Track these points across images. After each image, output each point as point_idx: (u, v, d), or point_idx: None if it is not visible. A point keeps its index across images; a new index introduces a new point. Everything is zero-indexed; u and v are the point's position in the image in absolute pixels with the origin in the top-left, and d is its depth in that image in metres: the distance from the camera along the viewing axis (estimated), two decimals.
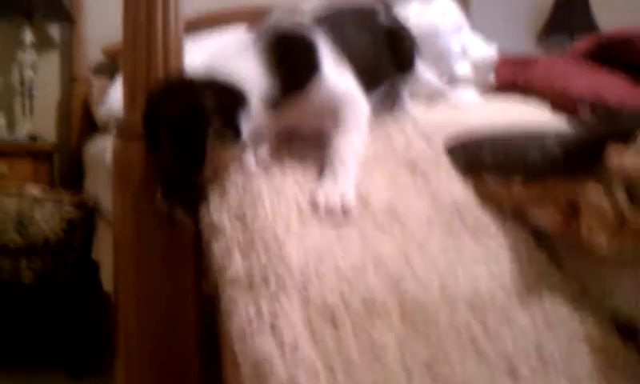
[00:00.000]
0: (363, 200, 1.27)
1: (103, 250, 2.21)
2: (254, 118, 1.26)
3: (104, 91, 2.81)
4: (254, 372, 1.00)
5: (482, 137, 1.43)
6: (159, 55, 1.28)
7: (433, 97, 1.98)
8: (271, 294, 1.04)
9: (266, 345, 0.99)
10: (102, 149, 2.17)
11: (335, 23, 1.49)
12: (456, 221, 1.28)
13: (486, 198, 1.36)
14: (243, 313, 1.04)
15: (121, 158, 1.31)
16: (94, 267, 2.42)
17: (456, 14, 2.41)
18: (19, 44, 2.92)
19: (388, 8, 1.69)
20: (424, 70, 1.85)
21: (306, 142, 1.37)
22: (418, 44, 1.70)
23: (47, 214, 2.38)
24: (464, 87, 2.34)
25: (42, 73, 3.05)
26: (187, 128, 1.19)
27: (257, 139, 1.30)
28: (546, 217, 1.22)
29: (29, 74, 2.93)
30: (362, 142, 1.33)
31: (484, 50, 2.47)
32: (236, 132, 1.22)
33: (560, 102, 2.13)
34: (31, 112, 2.94)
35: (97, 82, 3.02)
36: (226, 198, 1.21)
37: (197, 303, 1.29)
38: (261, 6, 3.28)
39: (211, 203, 1.22)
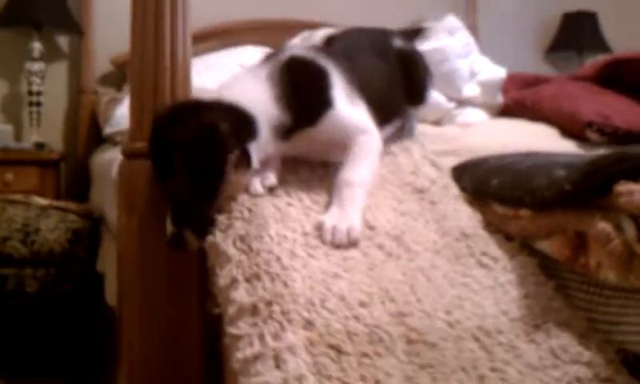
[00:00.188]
0: (370, 226, 1.27)
1: (108, 263, 2.21)
2: (263, 146, 1.25)
3: (111, 102, 2.81)
4: None
5: (490, 163, 1.43)
6: (167, 76, 1.28)
7: (441, 119, 1.98)
8: (275, 324, 1.04)
9: (270, 377, 0.98)
10: (109, 160, 2.17)
11: (349, 51, 1.48)
12: (463, 249, 1.28)
13: (494, 225, 1.35)
14: (247, 343, 1.03)
15: (127, 177, 1.31)
16: (99, 279, 2.42)
17: (465, 36, 2.41)
18: (28, 54, 2.92)
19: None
20: (434, 94, 1.85)
21: (314, 168, 1.37)
22: (431, 71, 1.68)
23: (52, 223, 2.38)
24: (472, 108, 2.34)
25: (50, 83, 3.05)
26: (207, 154, 1.17)
27: (264, 164, 1.29)
28: (554, 248, 1.22)
29: (37, 84, 2.93)
30: (371, 174, 1.33)
31: (492, 71, 2.47)
32: (247, 159, 1.22)
33: (569, 124, 2.13)
34: (39, 122, 2.94)
35: (104, 93, 3.02)
36: (232, 222, 1.21)
37: (201, 323, 1.29)
38: (271, 20, 3.30)
39: (217, 227, 1.21)
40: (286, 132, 1.28)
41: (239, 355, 1.03)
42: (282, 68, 1.31)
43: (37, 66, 2.92)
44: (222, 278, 1.13)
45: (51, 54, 3.09)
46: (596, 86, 2.38)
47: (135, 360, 1.28)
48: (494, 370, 1.06)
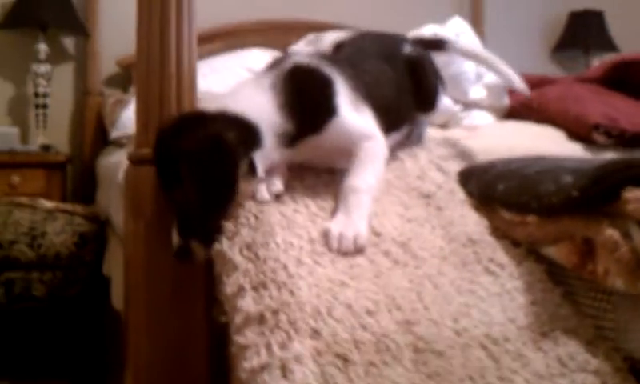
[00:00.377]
0: (376, 232, 1.26)
1: (114, 266, 2.21)
2: (268, 155, 1.25)
3: (117, 104, 2.81)
4: None
5: (496, 168, 1.42)
6: (173, 82, 1.28)
7: (447, 122, 1.98)
8: (282, 333, 1.03)
9: None
10: (115, 163, 2.17)
11: (356, 58, 1.47)
12: (470, 255, 1.28)
13: (501, 231, 1.35)
14: (254, 353, 1.03)
15: (133, 183, 1.31)
16: (105, 281, 2.42)
17: (471, 37, 2.40)
18: (34, 56, 2.93)
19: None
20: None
21: (319, 175, 1.36)
22: (442, 78, 1.67)
23: (59, 227, 2.38)
24: (478, 111, 2.34)
25: (56, 85, 3.05)
26: (218, 164, 1.17)
27: (270, 171, 1.29)
28: (562, 254, 1.21)
29: (43, 85, 2.94)
30: (377, 180, 1.32)
31: None
32: (252, 168, 1.22)
33: (575, 127, 2.12)
34: (45, 124, 2.94)
35: (110, 95, 3.03)
36: (238, 229, 1.21)
37: (207, 330, 1.29)
38: (276, 20, 3.30)
39: (223, 235, 1.21)
40: (290, 140, 1.28)
41: (246, 365, 1.03)
42: (285, 76, 1.31)
43: (43, 68, 2.93)
44: (229, 286, 1.13)
45: (57, 56, 3.10)
46: (603, 87, 2.37)
47: (141, 366, 1.28)
48: (501, 378, 1.06)
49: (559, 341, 1.13)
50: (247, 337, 1.05)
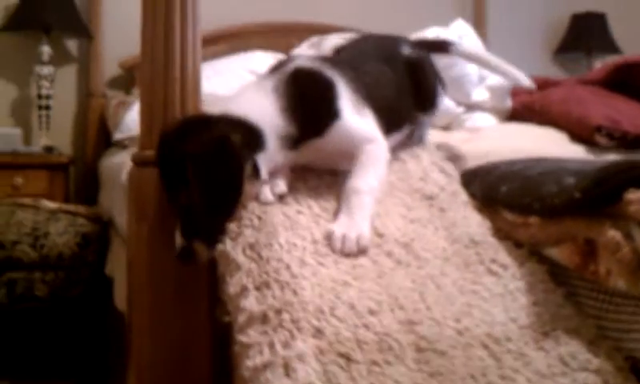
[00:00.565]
0: (379, 233, 1.27)
1: (117, 267, 2.21)
2: (271, 157, 1.25)
3: (120, 106, 2.82)
4: None
5: (499, 170, 1.43)
6: (177, 86, 1.28)
7: (450, 124, 1.98)
8: (285, 332, 1.04)
9: None
10: (118, 164, 2.17)
11: (356, 60, 1.48)
12: (472, 256, 1.28)
13: (503, 232, 1.35)
14: (257, 351, 1.03)
15: (137, 185, 1.32)
16: (107, 282, 2.42)
17: (473, 40, 2.41)
18: (37, 58, 2.94)
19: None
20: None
21: (322, 176, 1.37)
22: (442, 78, 1.68)
23: (62, 227, 2.39)
24: (481, 113, 2.34)
25: (59, 87, 3.06)
26: (223, 166, 1.17)
27: (273, 173, 1.30)
28: (564, 255, 1.22)
29: (46, 87, 2.95)
30: (379, 182, 1.33)
31: None
32: (256, 170, 1.22)
33: (577, 129, 2.12)
34: (48, 125, 2.95)
35: (113, 96, 3.04)
36: (242, 230, 1.21)
37: (211, 330, 1.29)
38: (280, 23, 3.31)
39: (227, 235, 1.21)
40: (293, 143, 1.29)
41: (249, 363, 1.04)
42: (287, 80, 1.31)
43: (46, 70, 2.94)
44: (232, 286, 1.14)
45: (60, 58, 3.11)
46: (605, 89, 2.37)
47: (144, 366, 1.29)
48: (502, 377, 1.06)
49: (561, 340, 1.13)
50: (250, 336, 1.06)
